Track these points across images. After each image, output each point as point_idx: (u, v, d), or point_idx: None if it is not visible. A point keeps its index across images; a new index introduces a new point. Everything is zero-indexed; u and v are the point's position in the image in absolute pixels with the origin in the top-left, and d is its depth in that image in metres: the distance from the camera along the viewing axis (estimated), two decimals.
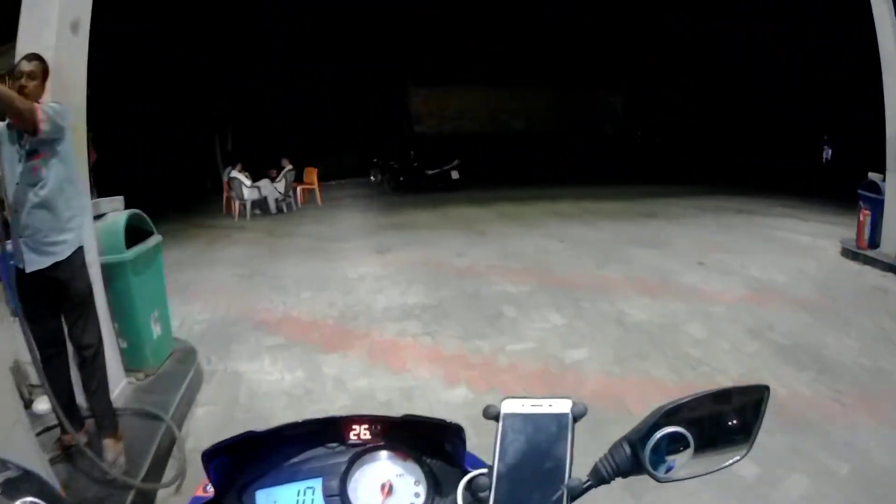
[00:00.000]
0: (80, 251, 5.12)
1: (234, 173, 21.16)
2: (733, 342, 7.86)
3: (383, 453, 1.56)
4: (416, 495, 1.50)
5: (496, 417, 1.27)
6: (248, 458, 1.52)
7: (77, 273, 5.10)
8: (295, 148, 25.48)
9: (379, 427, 1.57)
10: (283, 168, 22.57)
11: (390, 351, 7.93)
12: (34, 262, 4.82)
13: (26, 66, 4.82)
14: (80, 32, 5.91)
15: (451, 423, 1.48)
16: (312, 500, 1.49)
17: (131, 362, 6.76)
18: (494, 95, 34.53)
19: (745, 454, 1.32)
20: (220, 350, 8.16)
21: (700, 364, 7.25)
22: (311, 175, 24.71)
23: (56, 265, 4.90)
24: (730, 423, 1.33)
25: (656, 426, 1.26)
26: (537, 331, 8.49)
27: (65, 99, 5.34)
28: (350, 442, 1.59)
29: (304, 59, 29.17)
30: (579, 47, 31.12)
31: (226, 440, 1.43)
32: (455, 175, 26.79)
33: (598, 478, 1.27)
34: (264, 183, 21.58)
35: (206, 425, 6.22)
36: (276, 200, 21.95)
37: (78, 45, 5.93)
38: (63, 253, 4.95)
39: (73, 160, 5.12)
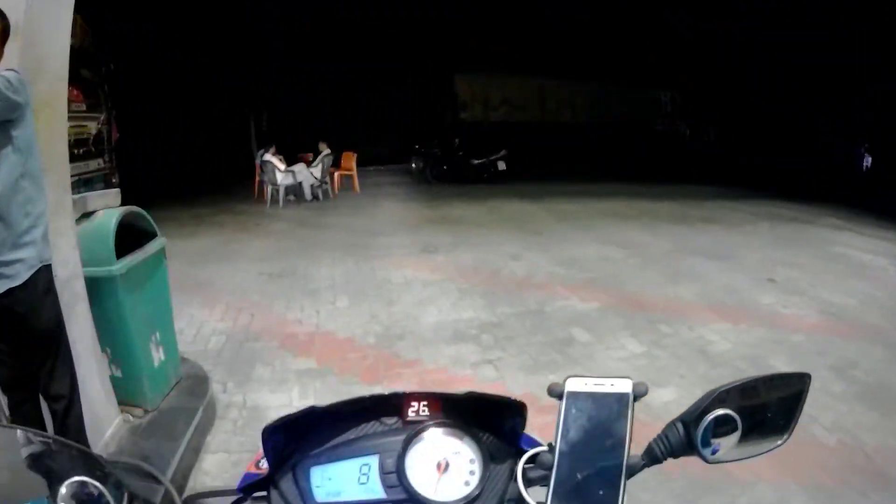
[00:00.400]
0: (43, 272, 3.84)
1: (268, 156, 19.97)
2: (820, 381, 6.85)
3: (440, 430, 1.51)
4: (472, 473, 1.46)
5: (560, 396, 1.31)
6: (304, 433, 1.50)
7: (38, 302, 3.83)
8: (332, 131, 24.33)
9: (439, 403, 1.51)
10: (321, 152, 21.30)
11: (446, 385, 6.53)
12: None
13: None
14: None
15: (515, 400, 1.47)
16: (368, 478, 1.47)
17: (127, 395, 5.47)
18: (542, 84, 33.45)
19: (786, 440, 1.40)
20: (240, 374, 6.89)
21: None
22: (350, 160, 23.45)
23: (9, 292, 3.63)
24: (774, 409, 1.39)
25: (708, 409, 1.31)
26: (615, 361, 7.28)
27: (38, 66, 4.07)
28: (408, 419, 1.52)
29: (347, 42, 28.09)
30: (628, 40, 30.23)
31: (287, 416, 1.40)
32: (502, 166, 25.67)
33: (652, 457, 1.34)
34: (299, 167, 20.43)
35: (216, 480, 4.99)
36: (312, 186, 20.75)
37: None
38: (19, 276, 3.67)
39: (35, 149, 3.75)
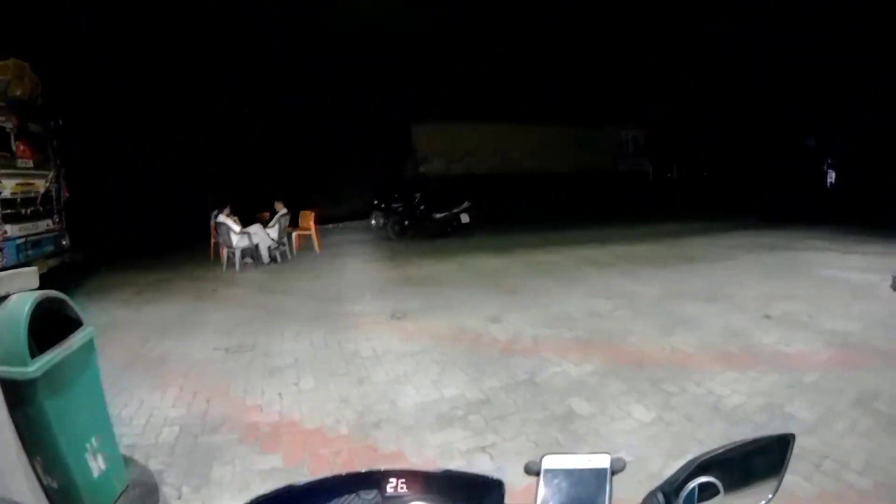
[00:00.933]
0: None
1: (222, 217, 19.32)
2: (845, 421, 6.67)
3: None
4: None
5: (537, 473, 1.37)
6: None
7: None
8: (288, 190, 23.82)
9: (417, 480, 1.42)
10: (277, 212, 20.68)
11: None
12: None
13: None
14: None
15: (492, 478, 1.41)
16: None
17: None
18: (504, 132, 33.14)
19: (772, 499, 1.41)
20: (196, 475, 5.93)
21: (823, 458, 5.82)
22: (308, 219, 22.82)
23: None
24: (757, 472, 1.43)
25: (689, 477, 1.36)
26: (624, 435, 6.50)
27: None
28: (387, 494, 1.42)
29: (298, 89, 28.27)
30: (592, 82, 30.34)
31: (264, 495, 1.38)
32: (465, 219, 25.20)
33: None
34: (255, 228, 19.62)
35: None
36: (270, 248, 19.93)
37: None
38: None
39: None
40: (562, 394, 7.57)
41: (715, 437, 6.20)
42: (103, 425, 5.15)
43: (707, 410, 6.96)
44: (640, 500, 1.36)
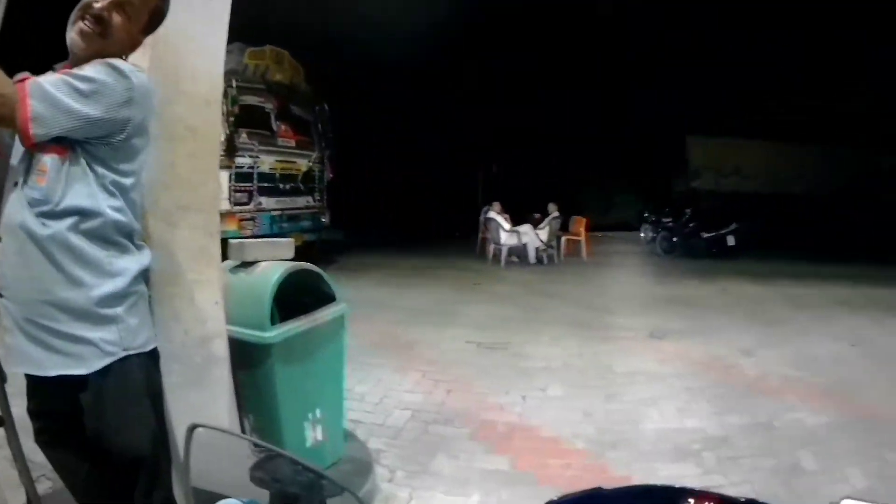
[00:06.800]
0: (129, 367, 2.74)
1: (492, 214, 19.62)
2: None
3: None
4: None
5: None
6: None
7: (113, 410, 2.73)
8: (561, 193, 23.55)
9: None
10: (549, 214, 20.59)
11: None
12: (23, 360, 2.60)
13: None
14: None
15: None
16: None
17: None
18: (775, 151, 31.75)
19: None
20: (415, 462, 5.89)
21: None
22: (579, 225, 22.59)
23: (69, 379, 2.61)
24: None
25: None
26: (837, 498, 5.79)
27: (176, 86, 3.36)
28: None
29: (578, 92, 28.12)
30: (868, 101, 28.17)
31: (575, 493, 1.59)
32: (731, 241, 24.28)
33: None
34: (526, 228, 19.73)
35: None
36: (538, 249, 19.91)
37: None
38: (84, 361, 2.60)
39: (140, 185, 2.81)
40: (794, 444, 7.06)
41: None
42: (333, 400, 5.21)
43: None
44: None
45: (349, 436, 5.71)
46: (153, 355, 2.86)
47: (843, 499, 1.32)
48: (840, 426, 7.58)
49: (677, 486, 1.49)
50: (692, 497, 1.46)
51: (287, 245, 4.82)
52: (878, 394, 8.81)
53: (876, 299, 15.92)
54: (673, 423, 7.46)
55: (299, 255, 5.01)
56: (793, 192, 31.30)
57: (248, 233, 13.64)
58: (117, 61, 2.54)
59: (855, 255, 23.44)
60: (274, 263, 4.55)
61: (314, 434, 4.84)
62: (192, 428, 1.48)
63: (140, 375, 2.75)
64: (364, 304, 11.55)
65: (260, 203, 14.49)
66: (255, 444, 1.56)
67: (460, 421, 7.00)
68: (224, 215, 12.92)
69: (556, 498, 1.42)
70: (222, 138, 12.86)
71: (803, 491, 6.03)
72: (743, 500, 1.44)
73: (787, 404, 8.23)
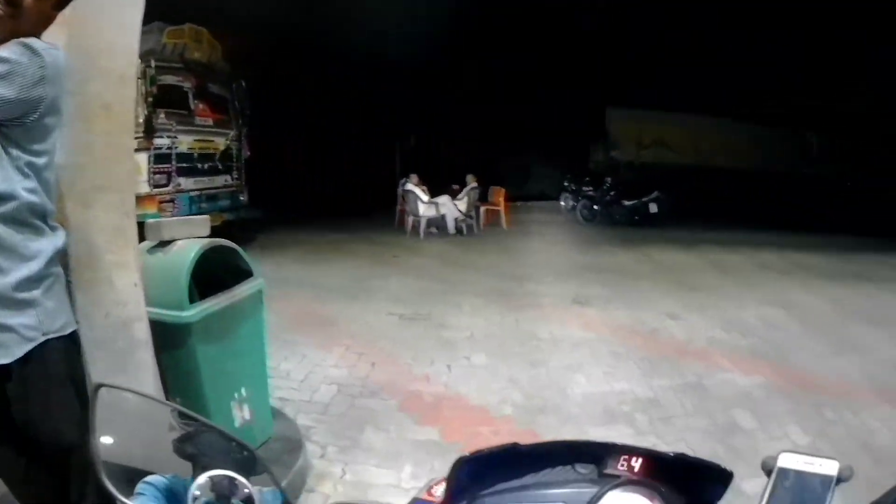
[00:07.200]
0: (50, 351, 2.65)
1: (410, 186, 19.56)
2: None
3: (634, 489, 1.35)
4: None
5: (770, 471, 1.27)
6: (493, 470, 1.44)
7: (37, 396, 2.67)
8: (479, 164, 24.18)
9: (643, 461, 1.41)
10: (467, 185, 20.63)
11: None
12: None
13: None
14: None
15: (724, 468, 1.37)
16: None
17: None
18: (695, 124, 32.20)
19: None
20: (346, 437, 5.87)
21: None
22: (498, 195, 22.75)
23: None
24: None
25: None
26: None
27: (90, 63, 3.32)
28: (605, 471, 1.43)
29: (495, 67, 28.47)
30: (787, 77, 28.86)
31: (487, 449, 1.38)
32: (653, 208, 24.71)
33: None
34: (444, 199, 19.75)
35: None
36: (457, 220, 19.97)
37: None
38: (6, 349, 2.50)
39: (52, 167, 2.72)
40: (728, 404, 7.26)
41: (857, 477, 5.64)
42: (257, 377, 5.16)
43: (856, 445, 6.41)
44: None
45: (277, 414, 5.67)
46: (73, 339, 2.79)
47: (781, 452, 1.26)
48: (775, 387, 7.77)
49: (599, 441, 1.45)
50: (616, 452, 1.42)
51: (203, 222, 4.73)
52: (810, 357, 9.05)
53: (803, 265, 16.36)
54: (601, 386, 7.53)
55: (219, 235, 4.94)
56: (716, 164, 31.83)
57: (169, 215, 13.20)
58: (31, 40, 2.47)
59: (780, 224, 23.90)
60: (190, 242, 4.47)
61: (241, 413, 4.79)
62: (97, 387, 1.47)
63: (61, 360, 2.68)
64: (285, 281, 11.54)
65: (179, 184, 14.26)
66: (177, 412, 1.47)
67: (387, 393, 7.00)
68: (144, 198, 12.85)
69: (468, 454, 1.34)
70: (141, 119, 12.79)
71: (741, 448, 6.16)
72: (671, 453, 1.40)
73: (717, 367, 8.39)
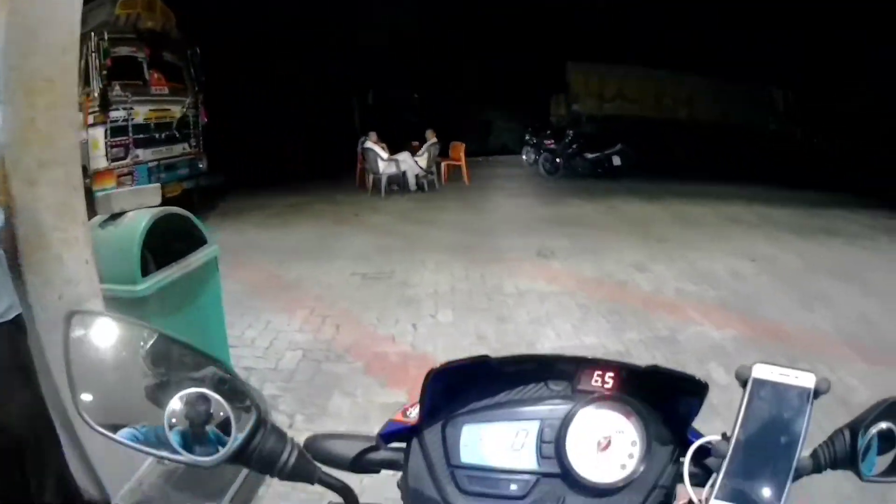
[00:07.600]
0: None
1: (369, 144, 19.32)
2: None
3: (608, 404, 1.38)
4: (630, 456, 1.36)
5: (745, 382, 1.27)
6: (466, 385, 1.42)
7: None
8: (439, 119, 23.78)
9: (616, 375, 1.39)
10: (427, 140, 20.42)
11: None
12: None
13: None
14: None
15: (699, 379, 1.33)
16: (523, 444, 1.37)
17: None
18: (658, 78, 32.02)
19: None
20: (313, 405, 5.81)
21: None
22: (458, 150, 22.50)
23: None
24: None
25: (878, 418, 1.27)
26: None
27: (31, 37, 3.25)
28: (579, 387, 1.41)
29: (453, 21, 28.31)
30: (753, 33, 28.58)
31: (457, 360, 1.34)
32: (617, 161, 24.54)
33: (815, 464, 1.30)
34: (404, 156, 19.60)
35: None
36: (417, 177, 19.89)
37: None
38: None
39: None
40: (701, 357, 7.22)
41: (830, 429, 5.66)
42: (218, 347, 5.10)
43: (833, 400, 6.19)
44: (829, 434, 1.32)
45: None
46: (17, 324, 2.68)
47: (755, 363, 1.24)
48: (748, 341, 7.75)
49: (571, 355, 1.40)
50: (588, 367, 1.39)
51: (153, 191, 4.58)
52: (780, 309, 9.03)
53: (770, 218, 16.36)
54: (570, 340, 7.50)
55: (178, 203, 4.86)
56: (679, 118, 31.97)
57: (128, 188, 13.19)
58: None
59: (746, 178, 23.94)
60: (140, 212, 4.33)
61: None
62: (69, 315, 1.32)
63: (5, 346, 2.59)
64: (246, 247, 11.53)
65: (137, 156, 14.07)
66: (155, 332, 1.26)
67: (353, 356, 6.94)
68: (102, 172, 12.86)
69: (437, 366, 1.30)
70: (96, 94, 12.81)
71: (718, 404, 5.91)
72: (644, 366, 1.36)
73: (688, 320, 8.35)
